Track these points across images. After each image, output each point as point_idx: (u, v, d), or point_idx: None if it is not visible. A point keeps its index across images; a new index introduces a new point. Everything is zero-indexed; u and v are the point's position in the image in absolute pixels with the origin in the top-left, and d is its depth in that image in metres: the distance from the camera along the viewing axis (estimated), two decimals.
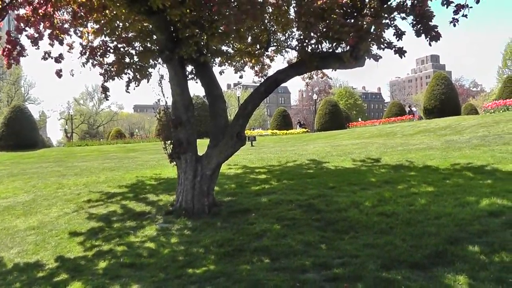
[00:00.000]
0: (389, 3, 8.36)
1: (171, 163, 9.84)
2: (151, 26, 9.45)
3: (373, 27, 7.82)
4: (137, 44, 10.47)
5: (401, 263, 6.01)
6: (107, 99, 11.56)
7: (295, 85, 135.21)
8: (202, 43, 9.32)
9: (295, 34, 10.15)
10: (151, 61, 10.65)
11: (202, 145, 10.16)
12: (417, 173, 11.81)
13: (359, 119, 75.73)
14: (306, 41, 9.05)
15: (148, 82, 10.86)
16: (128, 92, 11.00)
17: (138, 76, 10.70)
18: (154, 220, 9.21)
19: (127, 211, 10.03)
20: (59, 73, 9.91)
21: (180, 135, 9.48)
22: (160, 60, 10.18)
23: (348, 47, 8.34)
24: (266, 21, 9.72)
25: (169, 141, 9.68)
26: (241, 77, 12.37)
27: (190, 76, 10.55)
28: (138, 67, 10.65)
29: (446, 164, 12.55)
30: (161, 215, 9.42)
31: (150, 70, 10.87)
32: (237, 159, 16.41)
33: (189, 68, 10.48)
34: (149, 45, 10.21)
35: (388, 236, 7.06)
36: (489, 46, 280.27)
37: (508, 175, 10.57)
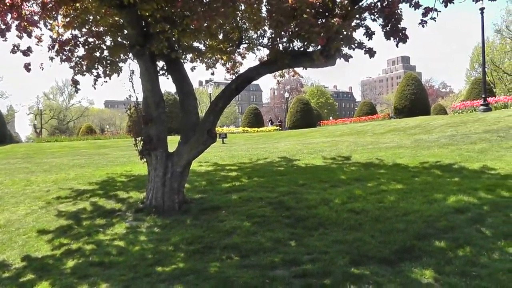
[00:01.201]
0: (360, 3, 8.47)
1: (141, 160, 9.75)
2: (122, 21, 9.33)
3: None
4: (107, 38, 10.32)
5: (369, 259, 6.12)
6: (77, 92, 11.36)
7: (267, 83, 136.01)
8: (174, 39, 9.25)
9: (267, 32, 10.18)
10: (122, 56, 10.51)
11: (173, 142, 10.10)
12: (386, 171, 11.98)
13: (331, 118, 76.53)
14: (278, 39, 9.08)
15: (118, 76, 10.70)
16: (94, 88, 10.82)
17: (108, 71, 10.54)
18: (124, 217, 9.12)
19: (96, 209, 9.89)
20: (27, 67, 9.64)
21: (150, 131, 9.39)
22: (131, 55, 10.05)
23: (319, 46, 8.40)
24: (238, 18, 9.71)
25: (140, 138, 9.59)
26: (212, 74, 12.35)
27: (161, 72, 10.48)
28: (108, 61, 10.50)
29: (415, 162, 12.77)
30: (131, 213, 9.33)
31: (120, 65, 10.72)
32: (208, 156, 16.37)
33: (160, 64, 10.41)
34: (120, 39, 10.07)
35: (357, 233, 7.17)
36: (459, 49, 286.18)
37: (474, 173, 10.83)
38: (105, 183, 12.65)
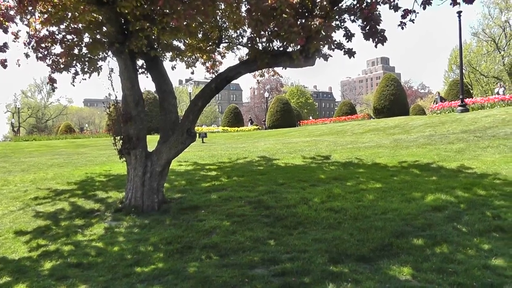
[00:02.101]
0: (339, 5, 8.53)
1: (120, 159, 9.69)
2: (101, 18, 9.22)
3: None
4: (86, 35, 10.18)
5: (348, 257, 6.19)
6: (53, 91, 11.15)
7: (247, 83, 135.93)
8: (153, 37, 9.21)
9: (246, 32, 10.19)
10: (101, 53, 10.39)
11: (153, 141, 10.04)
12: (366, 170, 12.08)
13: (310, 117, 76.75)
14: (257, 39, 9.08)
15: (98, 75, 10.59)
16: (73, 85, 10.67)
17: (86, 69, 10.40)
18: (103, 218, 9.04)
19: (75, 209, 9.79)
20: (3, 64, 9.46)
21: (130, 130, 9.32)
22: (110, 53, 9.95)
23: (298, 46, 8.43)
24: (218, 17, 9.70)
25: (119, 137, 9.52)
26: (192, 73, 12.32)
27: (140, 71, 10.39)
28: (87, 58, 10.37)
29: (394, 162, 12.91)
30: (110, 213, 9.25)
31: (100, 63, 10.60)
32: (188, 155, 16.33)
33: (140, 62, 10.33)
34: (99, 37, 9.95)
35: (336, 231, 7.22)
36: (438, 51, 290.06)
37: (452, 172, 11.01)
38: (84, 182, 12.51)
